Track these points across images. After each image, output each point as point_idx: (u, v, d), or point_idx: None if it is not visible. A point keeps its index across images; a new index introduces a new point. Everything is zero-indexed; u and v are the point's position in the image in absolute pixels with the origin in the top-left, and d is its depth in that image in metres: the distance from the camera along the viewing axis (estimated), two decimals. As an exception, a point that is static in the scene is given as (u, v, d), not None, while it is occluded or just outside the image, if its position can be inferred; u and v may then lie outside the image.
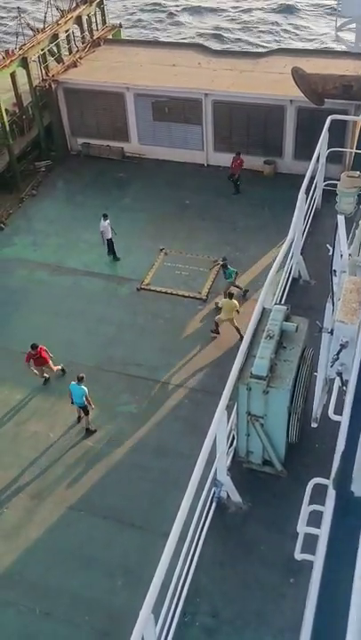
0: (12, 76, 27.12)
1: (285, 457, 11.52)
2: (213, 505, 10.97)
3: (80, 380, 16.73)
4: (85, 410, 16.93)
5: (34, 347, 17.64)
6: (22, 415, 17.76)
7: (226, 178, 26.03)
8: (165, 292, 21.32)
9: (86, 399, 16.69)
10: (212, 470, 10.82)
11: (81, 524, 15.07)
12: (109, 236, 22.67)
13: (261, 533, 10.88)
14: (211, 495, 10.94)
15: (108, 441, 16.86)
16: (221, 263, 20.64)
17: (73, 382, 16.81)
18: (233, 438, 11.97)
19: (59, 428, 17.30)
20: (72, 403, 16.99)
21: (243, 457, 11.78)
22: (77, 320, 20.67)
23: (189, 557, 6.87)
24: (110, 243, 22.89)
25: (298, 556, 8.08)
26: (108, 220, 22.38)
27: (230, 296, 19.26)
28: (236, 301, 19.06)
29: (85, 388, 16.65)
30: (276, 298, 14.19)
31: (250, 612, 9.64)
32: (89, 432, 17.08)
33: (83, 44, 30.84)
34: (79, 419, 17.30)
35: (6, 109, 26.46)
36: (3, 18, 51.69)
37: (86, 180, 27.77)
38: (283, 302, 13.93)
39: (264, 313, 11.90)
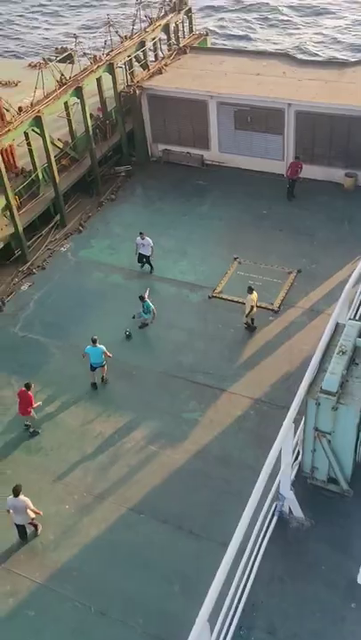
0: (99, 81, 27.78)
1: (352, 476, 11.22)
2: (275, 519, 10.81)
3: (94, 341, 18.07)
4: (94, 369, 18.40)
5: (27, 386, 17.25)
6: (90, 414, 18.07)
7: (304, 189, 25.69)
8: (237, 302, 21.20)
9: (105, 354, 18.13)
10: (276, 484, 10.66)
11: (140, 527, 15.17)
12: (147, 252, 22.79)
13: (323, 552, 10.62)
14: (273, 509, 10.78)
15: (172, 446, 16.91)
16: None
17: (88, 346, 18.07)
18: (298, 453, 11.78)
19: (124, 430, 17.50)
20: (91, 369, 18.24)
21: (307, 472, 11.56)
22: (148, 325, 20.86)
23: (248, 570, 6.77)
24: (142, 256, 22.97)
25: None
26: (146, 239, 22.57)
27: (250, 290, 19.63)
28: (255, 295, 19.60)
29: (102, 346, 18.02)
30: (351, 313, 13.87)
31: (307, 632, 9.39)
32: (104, 380, 18.68)
33: (169, 51, 31.27)
34: (103, 379, 18.69)
35: (91, 114, 27.13)
36: (94, 23, 53.24)
37: (165, 187, 28.09)
38: (357, 318, 13.60)
39: (338, 328, 11.66)
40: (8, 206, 23.13)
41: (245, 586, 6.50)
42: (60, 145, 26.61)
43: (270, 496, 10.38)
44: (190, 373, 19.04)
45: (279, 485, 10.56)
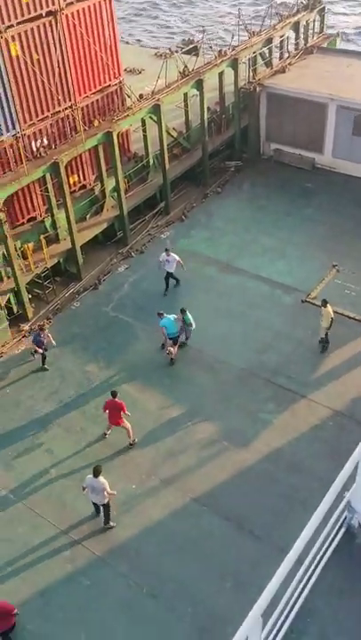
0: (220, 75, 27.85)
1: None
2: (342, 530, 10.51)
3: (160, 314, 18.77)
4: (176, 341, 18.74)
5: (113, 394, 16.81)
6: (168, 400, 18.28)
7: None
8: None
9: (179, 319, 18.66)
10: (348, 495, 10.36)
11: (202, 519, 15.23)
12: (172, 269, 21.82)
13: None
14: (341, 520, 10.49)
15: (244, 445, 16.83)
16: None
17: (162, 319, 18.63)
18: None
19: (198, 421, 17.59)
20: (166, 338, 18.79)
21: None
22: (236, 320, 20.84)
23: (307, 576, 6.62)
24: (168, 275, 22.02)
25: None
26: (171, 255, 21.63)
27: (325, 303, 18.83)
28: (330, 308, 18.78)
29: (173, 315, 18.63)
30: None
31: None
32: (172, 362, 19.03)
33: (295, 50, 30.87)
34: (170, 353, 18.98)
35: (208, 107, 27.27)
36: (225, 18, 53.37)
37: (272, 186, 27.85)
38: None
39: None
40: (117, 188, 23.72)
41: (303, 591, 6.35)
42: (175, 134, 26.95)
43: (340, 507, 10.10)
44: (272, 374, 18.85)
45: (350, 498, 10.23)
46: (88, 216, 24.04)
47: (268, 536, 14.52)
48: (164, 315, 18.95)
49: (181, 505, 15.50)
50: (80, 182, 24.11)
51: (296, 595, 6.09)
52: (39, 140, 21.68)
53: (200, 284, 22.62)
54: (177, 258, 21.68)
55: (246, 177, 28.83)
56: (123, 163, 24.46)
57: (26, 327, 21.22)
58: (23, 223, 22.45)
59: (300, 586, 6.27)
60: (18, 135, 20.81)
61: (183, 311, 19.13)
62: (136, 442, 16.90)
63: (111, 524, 15.04)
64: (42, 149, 21.41)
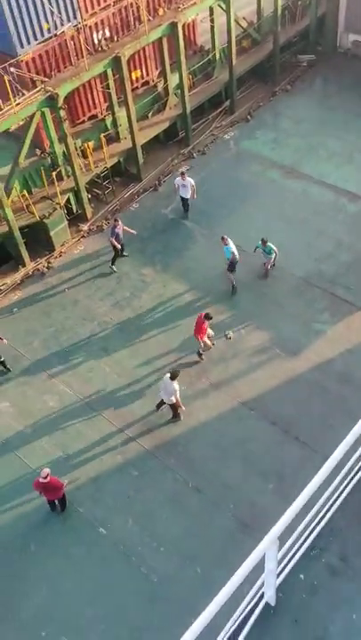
0: None
1: None
2: None
3: (224, 240, 18.03)
4: (232, 267, 18.13)
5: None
6: (222, 306, 18.25)
7: None
8: None
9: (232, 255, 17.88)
10: None
11: (249, 422, 15.60)
12: (187, 195, 20.38)
13: None
14: None
15: (296, 353, 16.83)
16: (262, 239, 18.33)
17: (226, 246, 17.93)
18: None
19: (252, 327, 17.61)
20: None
21: None
22: (297, 228, 20.26)
23: (336, 495, 6.69)
24: (184, 200, 20.64)
25: None
26: (187, 179, 20.13)
27: None
28: None
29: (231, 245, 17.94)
30: None
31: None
32: (234, 289, 18.41)
33: None
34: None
35: (282, -7, 25.31)
36: None
37: (346, 83, 26.06)
38: None
39: None
40: (180, 85, 22.75)
41: (329, 510, 6.42)
42: (244, 24, 25.29)
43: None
44: (330, 284, 18.47)
45: None
46: (150, 114, 23.34)
47: (314, 443, 14.77)
48: (228, 241, 18.10)
49: (230, 408, 15.87)
50: (143, 78, 23.24)
51: (323, 513, 6.21)
52: (101, 32, 20.76)
53: (263, 189, 21.91)
54: (192, 182, 20.29)
55: (319, 73, 27.05)
56: (188, 57, 23.30)
57: (85, 227, 21.35)
58: (84, 121, 22.05)
59: (329, 504, 6.35)
60: (79, 26, 19.99)
61: (264, 242, 18.15)
62: (203, 359, 16.94)
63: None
64: (104, 42, 20.55)
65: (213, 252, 19.59)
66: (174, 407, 15.45)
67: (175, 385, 14.80)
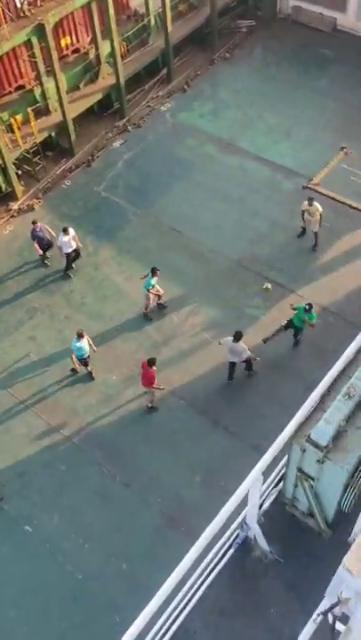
0: None
1: (333, 519, 9.90)
2: (231, 550, 10.27)
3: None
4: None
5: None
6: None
7: None
8: (332, 198, 19.55)
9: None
10: (242, 514, 10.00)
11: (179, 412, 15.44)
12: (68, 250, 17.76)
13: (276, 593, 9.98)
14: (233, 538, 10.37)
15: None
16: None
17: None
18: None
19: (184, 313, 17.31)
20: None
21: (288, 499, 10.36)
22: (232, 207, 19.84)
23: (189, 595, 6.51)
24: (69, 256, 17.99)
25: None
26: (69, 235, 17.52)
27: (311, 201, 17.59)
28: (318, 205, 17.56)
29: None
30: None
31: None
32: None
33: None
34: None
35: None
36: None
37: (286, 51, 25.38)
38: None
39: (353, 363, 9.81)
40: (112, 53, 21.67)
41: (182, 611, 6.15)
42: (180, -14, 24.21)
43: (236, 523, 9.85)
44: (264, 267, 18.22)
45: (246, 516, 9.89)
46: (82, 84, 22.26)
47: (242, 433, 14.75)
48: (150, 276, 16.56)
49: (159, 397, 15.61)
50: (73, 45, 22.05)
51: (175, 614, 6.03)
52: (24, -4, 19.51)
53: (199, 165, 21.33)
54: (73, 233, 17.66)
55: (258, 40, 26.23)
56: (120, 22, 22.27)
57: (15, 207, 20.47)
58: (10, 92, 20.88)
59: (181, 605, 6.19)
60: (-1, -10, 18.72)
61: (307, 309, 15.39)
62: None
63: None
64: (26, 7, 19.31)
65: (147, 230, 19.08)
66: (249, 362, 15.49)
67: (242, 344, 14.86)
